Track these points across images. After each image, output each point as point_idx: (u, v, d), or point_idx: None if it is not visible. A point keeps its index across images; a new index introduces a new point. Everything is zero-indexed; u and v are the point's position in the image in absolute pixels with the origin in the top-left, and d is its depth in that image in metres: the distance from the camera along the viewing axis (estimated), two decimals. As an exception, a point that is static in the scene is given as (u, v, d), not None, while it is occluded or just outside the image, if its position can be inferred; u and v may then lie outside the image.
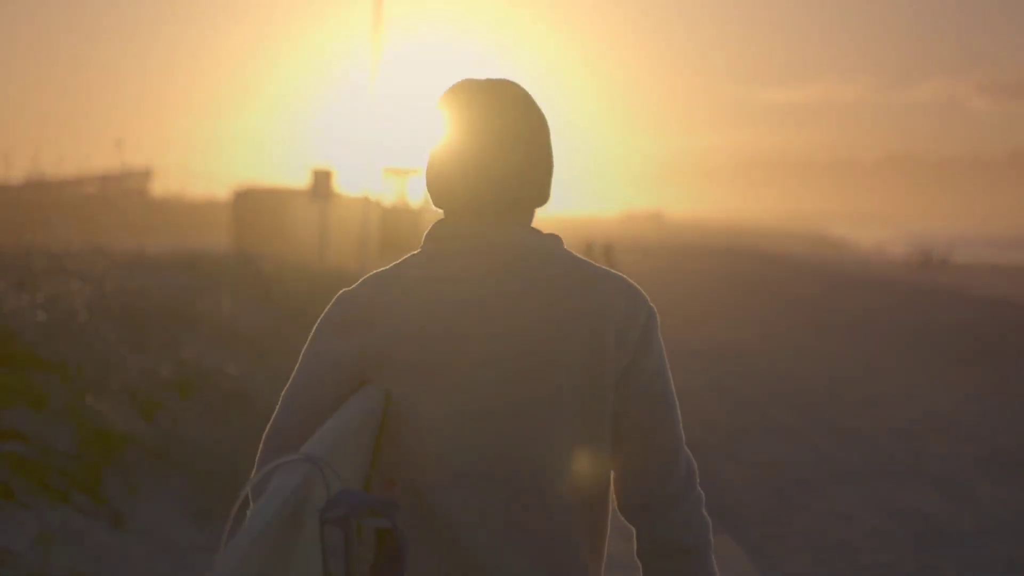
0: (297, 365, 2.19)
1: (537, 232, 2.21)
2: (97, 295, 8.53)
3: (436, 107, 2.23)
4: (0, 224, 45.30)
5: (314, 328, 2.20)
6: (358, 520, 1.86)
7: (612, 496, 2.24)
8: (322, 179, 25.27)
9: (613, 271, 2.22)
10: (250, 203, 34.88)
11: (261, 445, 2.17)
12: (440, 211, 2.25)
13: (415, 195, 36.25)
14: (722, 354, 18.16)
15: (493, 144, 2.17)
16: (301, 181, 29.46)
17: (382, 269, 2.22)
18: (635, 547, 2.22)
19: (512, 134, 2.18)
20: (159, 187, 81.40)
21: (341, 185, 33.67)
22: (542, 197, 2.23)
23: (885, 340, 20.84)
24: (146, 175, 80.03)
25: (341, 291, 2.22)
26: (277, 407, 2.19)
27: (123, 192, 72.25)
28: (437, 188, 2.21)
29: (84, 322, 7.09)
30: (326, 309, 2.21)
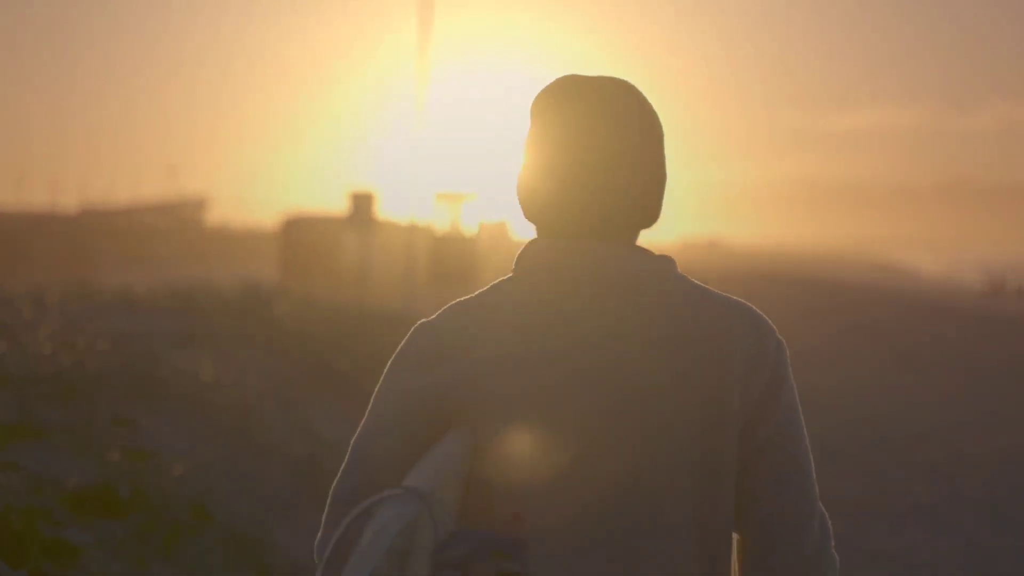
0: (369, 407, 1.95)
1: (648, 252, 1.98)
2: (20, 355, 6.34)
3: (533, 106, 2.01)
4: (53, 255, 44.60)
5: (388, 364, 1.97)
6: (481, 562, 1.71)
7: (733, 558, 1.99)
8: (363, 204, 23.15)
9: (736, 298, 1.99)
10: (298, 232, 33.77)
11: (328, 504, 1.93)
12: (532, 226, 2.04)
13: (469, 222, 34.39)
14: (816, 402, 15.99)
15: (601, 153, 1.95)
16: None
17: (465, 297, 2.00)
18: None
19: (623, 141, 1.95)
20: (214, 216, 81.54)
21: (389, 211, 32.05)
22: (653, 215, 2.00)
23: (991, 380, 18.82)
24: (201, 204, 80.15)
25: (420, 321, 2.00)
26: (346, 457, 1.95)
27: (178, 221, 72.00)
28: (531, 201, 1.99)
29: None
30: (402, 342, 1.97)
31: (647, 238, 2.11)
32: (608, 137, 1.95)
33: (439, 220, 34.59)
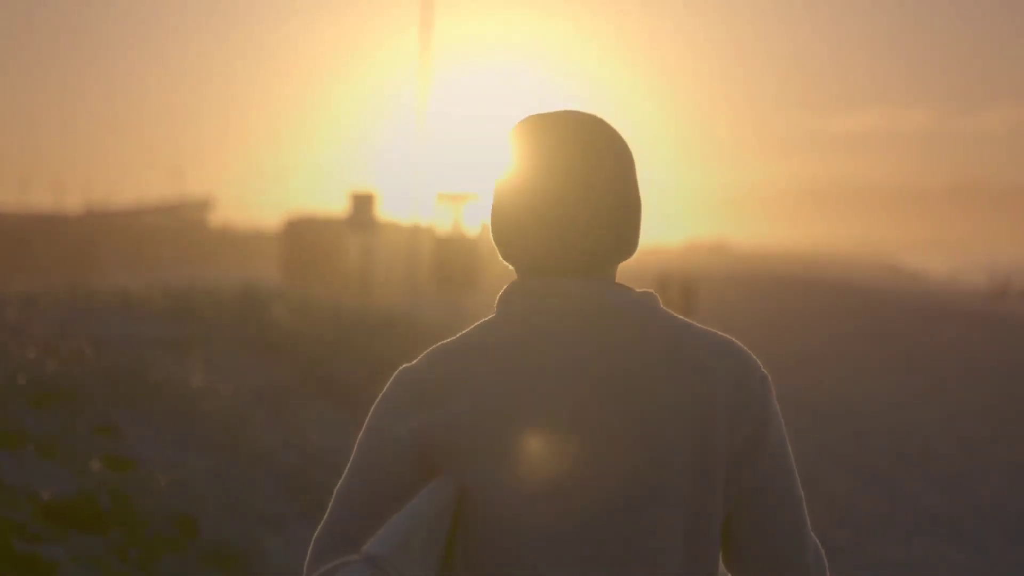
0: (353, 454, 1.95)
1: (629, 291, 1.98)
2: (1, 360, 6.09)
3: (504, 145, 2.00)
4: (57, 256, 44.53)
5: (371, 410, 1.96)
6: None
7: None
8: (363, 204, 22.94)
9: (719, 333, 1.99)
10: (300, 233, 33.73)
11: (310, 550, 1.91)
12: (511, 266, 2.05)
13: (471, 223, 34.24)
14: (828, 407, 15.79)
15: (573, 190, 1.94)
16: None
17: (448, 340, 1.99)
18: None
19: (596, 177, 1.94)
20: (217, 217, 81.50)
21: (391, 212, 31.94)
22: (629, 249, 2.00)
23: (998, 382, 18.51)
24: (205, 205, 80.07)
25: (401, 367, 2.00)
26: (330, 504, 1.93)
27: (181, 223, 71.92)
28: (507, 241, 1.99)
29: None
30: (385, 388, 1.98)
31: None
32: (582, 172, 1.94)
33: (441, 221, 34.38)
